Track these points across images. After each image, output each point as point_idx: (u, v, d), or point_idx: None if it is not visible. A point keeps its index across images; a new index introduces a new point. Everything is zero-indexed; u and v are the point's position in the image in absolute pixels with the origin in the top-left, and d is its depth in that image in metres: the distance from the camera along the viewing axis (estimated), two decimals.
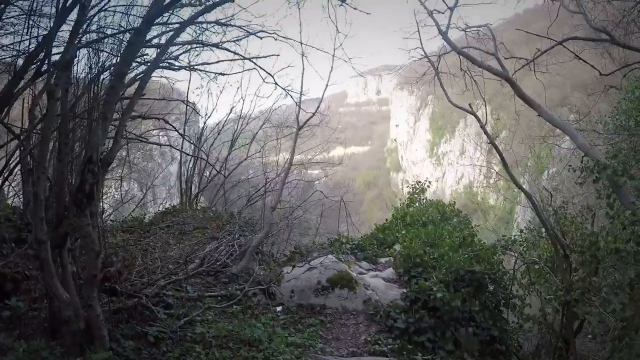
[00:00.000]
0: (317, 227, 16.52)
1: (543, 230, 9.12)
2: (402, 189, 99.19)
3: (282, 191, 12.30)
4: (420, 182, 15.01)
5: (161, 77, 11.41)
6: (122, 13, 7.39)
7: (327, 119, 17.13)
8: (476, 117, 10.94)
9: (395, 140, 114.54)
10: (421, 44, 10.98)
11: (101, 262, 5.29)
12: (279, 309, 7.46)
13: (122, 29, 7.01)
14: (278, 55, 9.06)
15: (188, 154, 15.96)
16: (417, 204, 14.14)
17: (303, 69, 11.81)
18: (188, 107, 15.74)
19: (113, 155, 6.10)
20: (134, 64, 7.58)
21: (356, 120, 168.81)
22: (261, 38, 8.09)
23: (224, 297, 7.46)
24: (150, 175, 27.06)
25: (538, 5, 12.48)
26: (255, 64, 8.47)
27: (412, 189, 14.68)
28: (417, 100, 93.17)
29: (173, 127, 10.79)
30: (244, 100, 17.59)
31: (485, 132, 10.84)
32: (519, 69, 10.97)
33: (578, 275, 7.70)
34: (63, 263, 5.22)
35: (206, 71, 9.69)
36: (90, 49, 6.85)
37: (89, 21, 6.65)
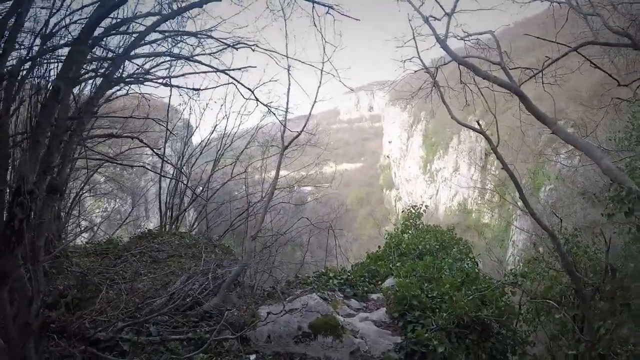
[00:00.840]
0: (304, 256, 15.95)
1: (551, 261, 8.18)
2: (394, 206, 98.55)
3: (264, 217, 11.41)
4: (416, 206, 13.49)
5: (139, 93, 10.81)
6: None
7: (315, 138, 16.38)
8: (486, 137, 9.76)
9: (387, 156, 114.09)
10: (418, 52, 10.15)
11: (41, 306, 4.68)
12: (252, 357, 6.47)
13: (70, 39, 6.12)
14: (255, 67, 8.14)
15: (165, 176, 15.29)
16: (412, 230, 12.78)
17: (289, 85, 11.26)
18: (176, 124, 15.52)
19: (62, 180, 5.22)
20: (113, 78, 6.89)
21: (348, 137, 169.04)
22: (237, 49, 7.49)
23: (191, 340, 6.55)
24: (136, 194, 26.24)
25: (541, 11, 11.51)
26: (232, 77, 7.58)
27: (408, 214, 13.28)
28: (410, 116, 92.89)
29: (148, 146, 9.94)
30: (227, 117, 16.92)
31: (498, 156, 9.37)
32: (525, 80, 9.64)
33: (605, 325, 6.69)
34: (1, 305, 4.55)
35: (178, 86, 8.86)
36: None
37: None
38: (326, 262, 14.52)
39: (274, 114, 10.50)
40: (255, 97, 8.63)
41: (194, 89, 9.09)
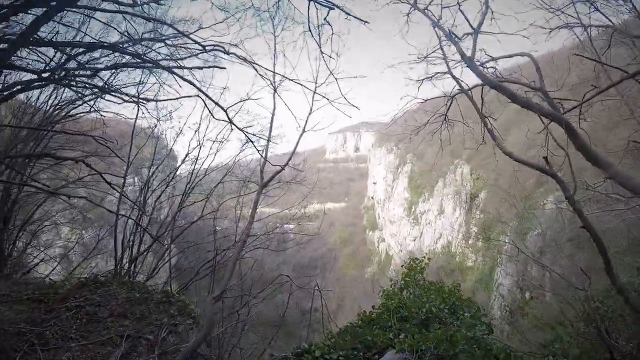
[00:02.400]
0: (281, 320, 13.28)
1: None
2: (377, 247, 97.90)
3: (233, 270, 9.70)
4: (417, 259, 11.44)
5: (92, 110, 9.95)
6: None
7: (302, 175, 14.63)
8: (558, 180, 7.81)
9: (372, 197, 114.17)
10: (448, 67, 8.57)
11: None
12: None
13: None
14: (223, 67, 6.82)
15: (112, 211, 12.92)
16: (413, 288, 10.83)
17: (274, 109, 10.02)
18: (156, 150, 13.77)
19: None
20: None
21: (333, 177, 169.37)
22: (208, 51, 6.55)
23: None
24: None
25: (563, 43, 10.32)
26: (200, 90, 6.43)
27: (408, 268, 11.21)
28: (395, 158, 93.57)
29: (97, 172, 8.53)
30: (201, 146, 14.40)
31: (572, 203, 7.52)
32: (564, 113, 8.05)
33: None
34: None
35: (140, 99, 8.00)
36: None
37: None
38: (309, 329, 12.37)
39: (250, 140, 9.40)
40: (229, 119, 7.42)
41: (146, 99, 8.26)
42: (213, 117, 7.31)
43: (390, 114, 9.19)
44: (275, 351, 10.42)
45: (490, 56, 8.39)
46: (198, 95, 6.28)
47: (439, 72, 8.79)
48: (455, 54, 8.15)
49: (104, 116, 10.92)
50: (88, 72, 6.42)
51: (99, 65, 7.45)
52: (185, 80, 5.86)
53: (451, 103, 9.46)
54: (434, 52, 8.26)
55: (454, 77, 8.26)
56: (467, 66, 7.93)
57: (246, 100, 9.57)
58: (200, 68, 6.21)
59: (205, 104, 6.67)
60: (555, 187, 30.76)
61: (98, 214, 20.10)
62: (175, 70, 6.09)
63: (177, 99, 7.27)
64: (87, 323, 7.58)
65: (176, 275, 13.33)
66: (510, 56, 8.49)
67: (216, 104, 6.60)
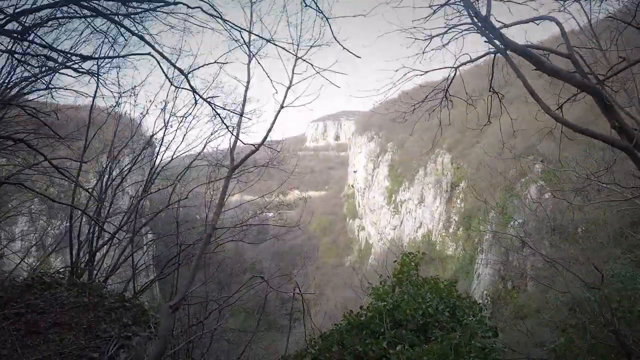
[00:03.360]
0: (255, 329, 11.59)
1: None
2: (357, 235, 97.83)
3: (195, 273, 8.29)
4: (412, 253, 9.75)
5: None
6: None
7: (280, 157, 13.28)
8: (634, 156, 6.21)
9: (352, 186, 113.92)
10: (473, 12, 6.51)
11: None
12: None
13: None
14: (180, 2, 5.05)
15: (63, 203, 11.66)
16: (406, 285, 9.22)
17: (248, 77, 9.10)
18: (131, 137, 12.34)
19: None
20: None
21: (314, 165, 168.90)
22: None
23: None
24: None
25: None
26: (152, 46, 4.98)
27: (401, 264, 9.55)
28: (376, 146, 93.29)
29: (40, 153, 7.30)
30: (166, 126, 12.32)
31: None
32: (601, 81, 6.91)
33: None
34: None
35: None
36: None
37: None
38: (289, 336, 11.00)
39: (217, 114, 7.68)
40: (190, 86, 5.88)
41: (91, 57, 7.12)
42: (172, 84, 6.03)
43: (383, 88, 7.77)
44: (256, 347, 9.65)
45: (503, 23, 6.89)
46: (150, 54, 5.01)
47: (452, 28, 6.96)
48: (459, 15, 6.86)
49: (57, 101, 9.79)
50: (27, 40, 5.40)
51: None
52: (134, 34, 4.85)
53: (454, 76, 7.99)
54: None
55: (481, 26, 6.36)
56: (479, 29, 6.52)
57: (211, 64, 7.87)
58: (146, 10, 5.04)
59: (161, 67, 5.31)
60: (538, 177, 30.70)
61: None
62: (125, 23, 5.04)
63: (123, 56, 6.27)
64: (27, 334, 6.34)
65: (141, 272, 11.48)
66: (528, 21, 6.96)
67: (173, 65, 5.41)
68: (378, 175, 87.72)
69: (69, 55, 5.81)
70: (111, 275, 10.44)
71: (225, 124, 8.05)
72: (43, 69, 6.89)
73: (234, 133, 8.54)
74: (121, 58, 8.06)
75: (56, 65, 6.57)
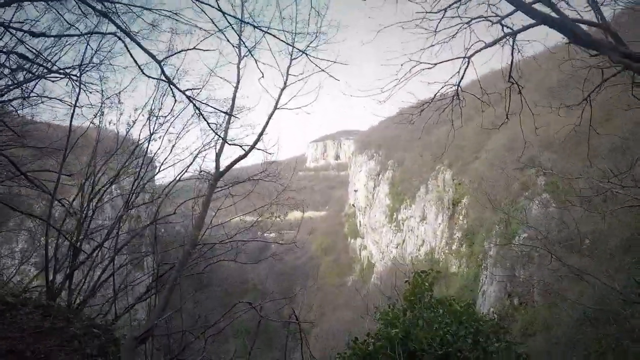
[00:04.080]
0: (248, 354, 9.88)
1: None
2: (359, 255, 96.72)
3: (169, 296, 7.35)
4: (424, 272, 8.42)
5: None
6: None
7: (273, 167, 11.83)
8: None
9: (353, 205, 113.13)
10: None
11: None
12: None
13: None
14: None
15: (37, 217, 10.20)
16: (419, 309, 7.83)
17: (238, 77, 8.68)
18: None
19: None
20: None
21: (314, 185, 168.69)
22: None
23: None
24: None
25: None
26: (118, 26, 4.46)
27: (413, 284, 8.23)
28: (376, 164, 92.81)
29: (11, 161, 6.83)
30: (152, 133, 10.69)
31: None
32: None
33: None
34: None
35: None
36: None
37: None
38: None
39: (197, 109, 6.25)
40: (164, 74, 5.15)
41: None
42: (141, 71, 5.02)
43: (388, 86, 7.00)
44: None
45: None
46: (117, 35, 4.39)
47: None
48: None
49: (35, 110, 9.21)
50: None
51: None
52: (96, 10, 4.24)
53: (467, 67, 7.10)
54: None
55: None
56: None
57: (187, 50, 6.72)
58: None
59: (130, 52, 4.55)
60: (542, 189, 30.13)
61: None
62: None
63: (83, 34, 5.61)
64: None
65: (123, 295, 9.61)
66: None
67: (142, 48, 4.59)
68: (379, 193, 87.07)
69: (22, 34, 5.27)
70: (91, 297, 9.24)
71: (207, 122, 7.00)
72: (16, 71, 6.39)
73: (220, 134, 7.86)
74: (103, 64, 7.60)
75: (31, 66, 6.11)
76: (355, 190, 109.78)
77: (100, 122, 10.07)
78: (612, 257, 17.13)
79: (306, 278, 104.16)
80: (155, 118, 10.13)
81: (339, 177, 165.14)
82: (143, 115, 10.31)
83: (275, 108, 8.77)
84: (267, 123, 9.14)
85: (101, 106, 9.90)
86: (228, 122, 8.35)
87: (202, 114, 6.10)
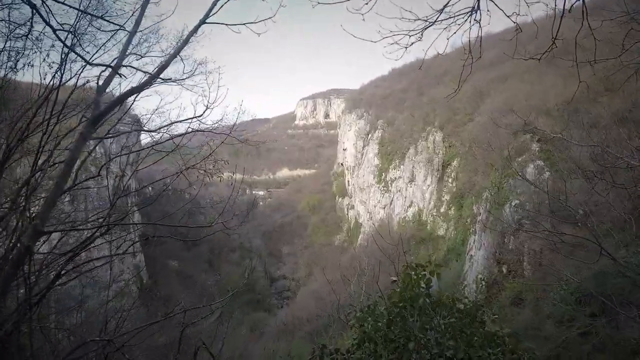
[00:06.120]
0: None
1: None
2: (347, 214, 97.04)
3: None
4: (420, 266, 6.08)
5: None
6: None
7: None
8: None
9: (342, 164, 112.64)
10: None
11: None
12: None
13: None
14: None
15: None
16: (413, 320, 5.67)
17: None
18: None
19: None
20: None
21: (303, 143, 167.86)
22: None
23: None
24: None
25: None
26: None
27: (403, 282, 6.04)
28: (366, 124, 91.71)
29: None
30: None
31: None
32: None
33: None
34: None
35: None
36: None
37: None
38: None
39: None
40: None
41: None
42: None
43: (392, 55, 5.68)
44: None
45: None
46: None
47: None
48: None
49: None
50: None
51: None
52: None
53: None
54: None
55: None
56: None
57: None
58: None
59: None
60: (536, 156, 29.54)
61: None
62: None
63: None
64: None
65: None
66: None
67: None
68: (368, 153, 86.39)
69: None
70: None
71: (46, 22, 5.13)
72: None
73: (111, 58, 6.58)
74: None
75: None
76: (344, 149, 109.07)
77: None
78: (609, 232, 16.57)
79: (294, 236, 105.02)
80: None
81: (329, 135, 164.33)
82: None
83: (203, 22, 6.50)
84: (186, 40, 6.76)
85: None
86: (130, 39, 6.48)
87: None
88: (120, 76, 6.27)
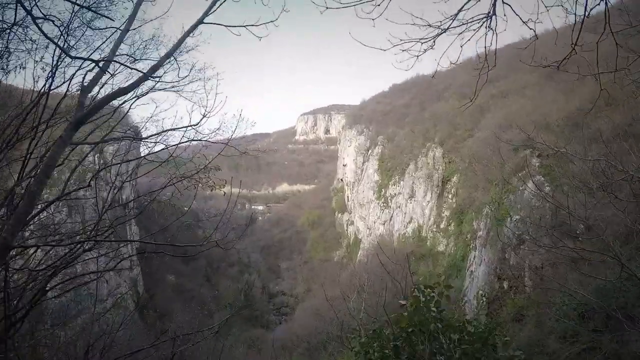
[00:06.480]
0: None
1: None
2: (346, 230, 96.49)
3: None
4: (429, 287, 5.60)
5: None
6: None
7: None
8: None
9: (342, 180, 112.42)
10: None
11: None
12: None
13: None
14: None
15: None
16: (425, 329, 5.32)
17: None
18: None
19: None
20: None
21: (303, 158, 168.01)
22: None
23: None
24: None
25: None
26: None
27: (413, 304, 5.49)
28: (366, 140, 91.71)
29: None
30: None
31: None
32: None
33: None
34: None
35: None
36: None
37: None
38: None
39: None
40: None
41: None
42: None
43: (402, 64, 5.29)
44: None
45: None
46: None
47: None
48: None
49: None
50: None
51: None
52: None
53: None
54: None
55: None
56: None
57: None
58: None
59: None
60: (536, 171, 29.35)
61: None
62: None
63: None
64: None
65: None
66: None
67: None
68: (368, 169, 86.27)
69: None
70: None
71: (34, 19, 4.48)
72: None
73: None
74: None
75: None
76: (344, 165, 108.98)
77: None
78: (609, 247, 16.25)
79: (292, 252, 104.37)
80: None
81: (329, 151, 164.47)
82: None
83: (201, 21, 6.15)
84: (182, 39, 6.40)
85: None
86: (122, 36, 6.08)
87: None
88: (106, 73, 5.94)
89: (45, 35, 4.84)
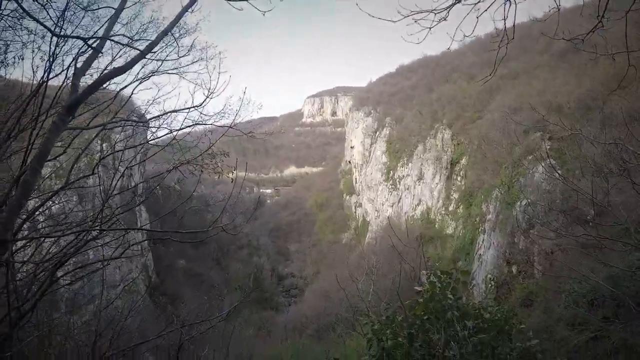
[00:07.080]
0: None
1: None
2: (354, 212, 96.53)
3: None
4: (445, 272, 5.28)
5: None
6: None
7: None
8: None
9: (349, 162, 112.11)
10: None
11: None
12: None
13: None
14: None
15: None
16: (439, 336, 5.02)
17: None
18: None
19: None
20: None
21: (311, 141, 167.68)
22: None
23: None
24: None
25: None
26: None
27: (429, 291, 5.18)
28: (374, 121, 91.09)
29: None
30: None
31: None
32: None
33: None
34: None
35: None
36: None
37: None
38: None
39: None
40: None
41: None
42: None
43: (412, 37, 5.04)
44: None
45: None
46: None
47: None
48: None
49: None
50: None
51: None
52: None
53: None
54: None
55: None
56: None
57: None
58: None
59: None
60: (547, 154, 28.96)
61: None
62: None
63: None
64: None
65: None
66: None
67: None
68: (376, 151, 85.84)
69: None
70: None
71: None
72: None
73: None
74: None
75: None
76: (352, 147, 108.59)
77: None
78: (623, 232, 16.04)
79: (301, 234, 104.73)
80: None
81: (336, 133, 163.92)
82: None
83: None
84: (180, 14, 6.06)
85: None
86: (117, 15, 5.79)
87: None
88: (101, 54, 5.62)
89: (26, 11, 4.68)
